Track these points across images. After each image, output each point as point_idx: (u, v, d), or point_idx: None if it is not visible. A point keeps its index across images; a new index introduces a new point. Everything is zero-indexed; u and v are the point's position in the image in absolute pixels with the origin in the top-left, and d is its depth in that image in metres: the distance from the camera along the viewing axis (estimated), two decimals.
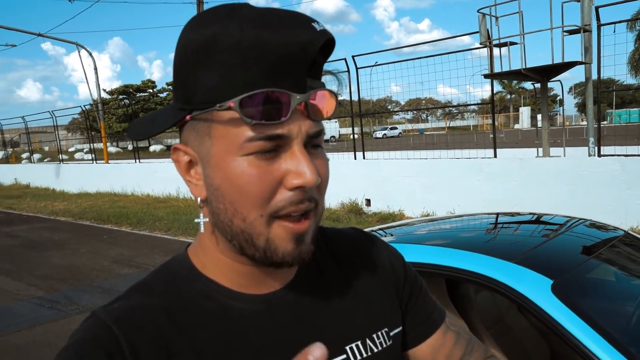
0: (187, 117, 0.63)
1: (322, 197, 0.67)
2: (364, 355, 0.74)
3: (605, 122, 12.32)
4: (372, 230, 2.52)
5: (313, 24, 0.60)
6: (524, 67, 8.30)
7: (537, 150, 9.17)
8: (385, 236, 2.36)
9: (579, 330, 1.48)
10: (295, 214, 0.62)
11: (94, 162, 20.22)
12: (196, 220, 0.68)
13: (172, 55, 0.69)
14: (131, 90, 64.34)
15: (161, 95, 59.71)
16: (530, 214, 2.62)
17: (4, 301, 6.13)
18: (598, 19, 7.34)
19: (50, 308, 5.77)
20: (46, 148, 33.61)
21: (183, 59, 0.63)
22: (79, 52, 19.83)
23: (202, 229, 0.67)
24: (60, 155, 22.28)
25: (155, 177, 15.62)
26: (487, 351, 0.91)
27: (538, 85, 9.01)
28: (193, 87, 0.61)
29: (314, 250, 0.81)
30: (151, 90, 65.03)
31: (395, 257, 0.88)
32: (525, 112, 43.85)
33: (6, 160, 30.25)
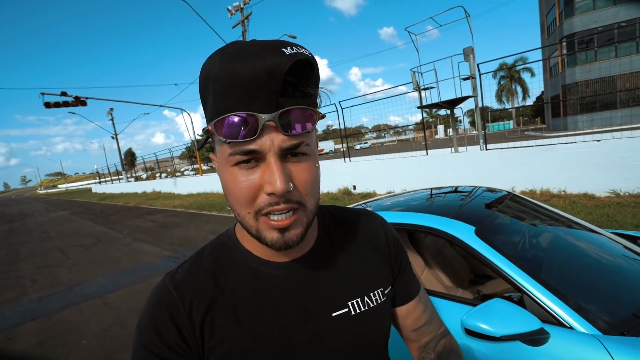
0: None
1: (308, 197, 0.49)
2: (363, 309, 0.59)
3: (486, 130, 12.10)
4: (357, 204, 2.40)
5: (284, 48, 0.43)
6: (439, 100, 8.22)
7: (451, 149, 8.97)
8: (367, 207, 2.24)
9: (492, 256, 1.36)
10: (275, 212, 0.47)
11: (195, 175, 20.17)
12: (227, 208, 0.55)
13: None
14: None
15: None
16: (451, 186, 2.49)
17: (149, 259, 6.07)
18: (479, 70, 7.20)
19: (174, 262, 5.69)
20: (168, 169, 33.59)
21: (199, 91, 0.49)
22: (182, 114, 19.75)
23: (234, 215, 0.53)
24: (175, 173, 22.32)
25: None
26: (441, 325, 0.71)
27: (448, 111, 8.87)
28: (205, 112, 0.49)
29: (329, 227, 0.63)
30: None
31: (392, 235, 0.68)
32: (440, 128, 43.33)
33: (147, 178, 30.46)
